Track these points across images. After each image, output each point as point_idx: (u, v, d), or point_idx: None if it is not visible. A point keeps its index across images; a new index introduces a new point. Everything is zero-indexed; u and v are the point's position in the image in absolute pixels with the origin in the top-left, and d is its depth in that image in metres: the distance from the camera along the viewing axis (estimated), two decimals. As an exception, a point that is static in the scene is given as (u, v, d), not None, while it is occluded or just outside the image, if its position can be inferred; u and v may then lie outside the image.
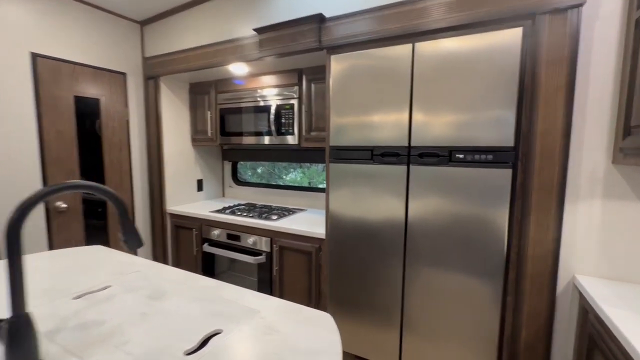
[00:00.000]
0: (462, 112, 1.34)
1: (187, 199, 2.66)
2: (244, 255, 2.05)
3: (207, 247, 2.23)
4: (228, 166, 2.95)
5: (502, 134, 1.27)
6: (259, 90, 2.25)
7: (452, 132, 1.36)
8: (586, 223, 1.25)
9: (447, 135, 1.37)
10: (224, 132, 2.44)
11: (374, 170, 1.54)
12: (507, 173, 1.28)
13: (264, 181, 3.11)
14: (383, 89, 1.50)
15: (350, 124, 1.60)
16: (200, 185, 2.75)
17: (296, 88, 2.09)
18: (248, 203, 2.66)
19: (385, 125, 1.51)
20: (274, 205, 2.58)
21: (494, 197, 1.31)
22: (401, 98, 1.46)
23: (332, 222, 1.69)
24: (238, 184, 2.92)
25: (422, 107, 1.42)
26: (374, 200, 1.55)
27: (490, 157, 1.30)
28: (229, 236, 2.16)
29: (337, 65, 1.60)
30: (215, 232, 2.20)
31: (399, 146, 1.48)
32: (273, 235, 1.97)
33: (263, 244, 2.01)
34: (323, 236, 1.77)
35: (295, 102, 2.10)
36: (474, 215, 1.34)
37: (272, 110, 2.14)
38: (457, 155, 1.36)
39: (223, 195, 2.99)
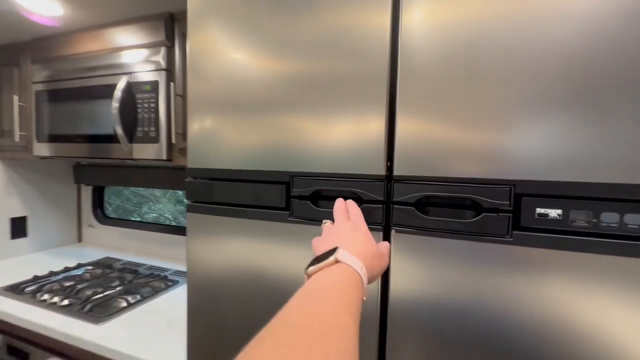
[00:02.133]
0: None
1: (-11, 255, 1.47)
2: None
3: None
4: (88, 193, 1.80)
5: None
6: (100, 57, 1.19)
7: (528, 144, 0.43)
8: None
9: (508, 155, 0.44)
10: (45, 134, 1.32)
11: (293, 232, 0.56)
12: None
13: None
14: (320, 40, 0.54)
15: (236, 120, 0.61)
16: (20, 227, 1.57)
17: (163, 51, 1.07)
18: (106, 258, 1.54)
19: (322, 125, 0.54)
20: (147, 263, 1.49)
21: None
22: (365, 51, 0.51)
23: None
24: (104, 222, 1.78)
25: (427, 65, 0.48)
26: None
27: (666, 222, 0.39)
28: (11, 351, 1.03)
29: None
30: (-6, 338, 1.06)
31: (363, 175, 0.52)
32: (93, 360, 0.89)
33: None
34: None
35: (160, 77, 1.07)
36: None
37: (118, 95, 1.09)
38: (540, 211, 0.43)
39: (80, 241, 1.83)
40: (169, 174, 1.49)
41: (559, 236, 0.42)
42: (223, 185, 0.63)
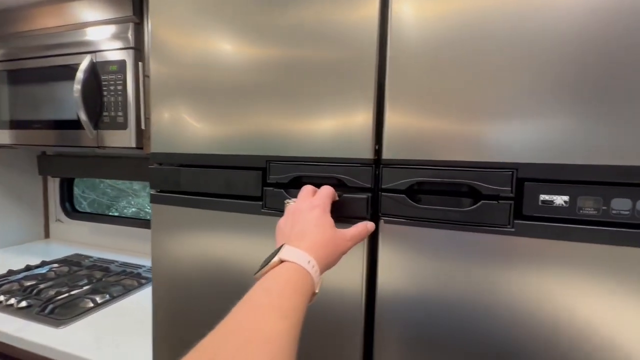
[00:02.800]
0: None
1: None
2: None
3: None
4: (56, 185, 1.68)
5: None
6: (62, 35, 1.08)
7: (531, 126, 0.39)
8: None
9: (509, 137, 0.39)
10: (4, 120, 1.20)
11: (268, 225, 0.50)
12: None
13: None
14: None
15: (207, 105, 0.54)
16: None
17: (131, 28, 0.97)
18: (74, 255, 1.43)
19: (305, 109, 0.48)
20: (120, 259, 1.39)
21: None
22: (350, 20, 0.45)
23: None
24: (73, 217, 1.67)
25: (417, 47, 0.42)
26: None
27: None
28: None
29: None
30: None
31: (348, 160, 0.47)
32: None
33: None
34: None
35: (128, 56, 0.97)
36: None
37: (80, 76, 0.98)
38: (544, 198, 0.39)
39: (47, 237, 1.71)
40: (141, 164, 1.39)
41: (566, 225, 0.38)
42: (192, 172, 0.56)
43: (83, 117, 0.99)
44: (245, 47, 0.51)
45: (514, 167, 0.39)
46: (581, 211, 0.37)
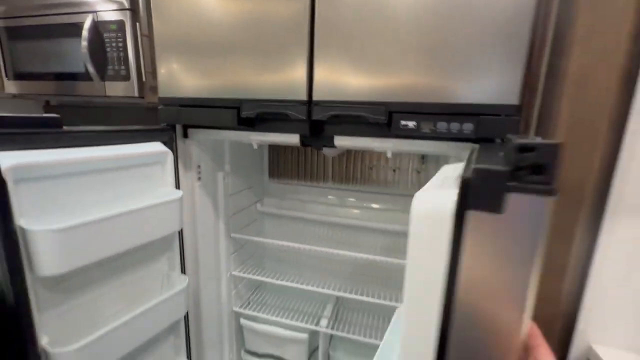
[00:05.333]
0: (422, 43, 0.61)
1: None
2: None
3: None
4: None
5: (498, 86, 0.59)
6: (63, -5, 1.23)
7: (396, 79, 0.64)
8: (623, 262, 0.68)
9: (385, 85, 0.65)
10: (14, 72, 1.38)
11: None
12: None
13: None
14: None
15: (198, 58, 0.77)
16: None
17: (126, -10, 1.14)
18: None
19: (262, 63, 0.72)
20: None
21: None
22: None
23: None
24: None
25: (334, 30, 0.65)
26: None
27: (470, 126, 0.62)
28: None
29: None
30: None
31: (290, 101, 0.72)
32: None
33: None
34: None
35: (125, 16, 1.15)
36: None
37: (86, 34, 1.17)
38: (403, 123, 0.66)
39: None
40: (138, 113, 1.60)
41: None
42: (189, 110, 0.80)
43: (91, 69, 1.19)
44: (227, 4, 0.72)
45: (386, 104, 0.65)
46: (422, 130, 0.65)
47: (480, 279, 0.31)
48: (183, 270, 0.90)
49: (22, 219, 0.55)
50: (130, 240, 0.69)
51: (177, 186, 0.87)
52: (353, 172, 1.21)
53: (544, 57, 0.68)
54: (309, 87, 0.70)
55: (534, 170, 0.28)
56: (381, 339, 1.08)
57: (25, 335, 0.55)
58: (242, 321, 1.18)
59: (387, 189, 1.19)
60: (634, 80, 0.60)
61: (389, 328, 0.61)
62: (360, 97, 0.67)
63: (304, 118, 0.71)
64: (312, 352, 1.20)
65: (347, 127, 0.73)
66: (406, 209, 1.20)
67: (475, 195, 0.29)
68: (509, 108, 0.60)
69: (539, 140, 0.30)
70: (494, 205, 0.29)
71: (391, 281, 1.22)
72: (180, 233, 0.89)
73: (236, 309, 1.16)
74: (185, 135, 0.90)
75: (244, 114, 0.75)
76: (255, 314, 1.15)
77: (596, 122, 0.59)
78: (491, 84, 0.60)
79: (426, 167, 1.13)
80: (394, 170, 1.17)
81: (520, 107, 0.60)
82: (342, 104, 0.68)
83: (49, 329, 0.59)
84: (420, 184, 1.12)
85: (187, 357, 0.97)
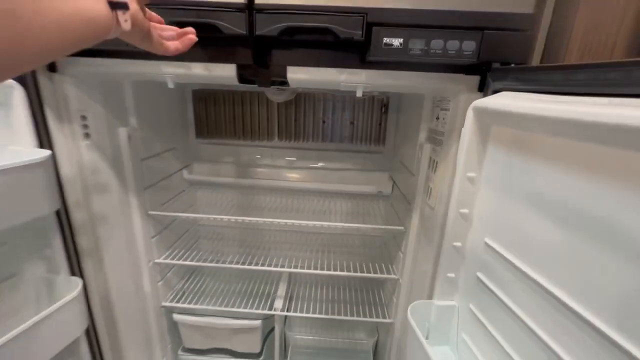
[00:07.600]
0: None
1: None
2: None
3: None
4: None
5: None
6: None
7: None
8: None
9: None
10: None
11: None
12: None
13: None
14: None
15: None
16: None
17: None
18: None
19: None
20: None
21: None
22: None
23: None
24: None
25: None
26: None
27: (471, 45, 0.47)
28: None
29: None
30: None
31: (221, 4, 0.47)
32: None
33: None
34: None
35: None
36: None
37: None
38: (387, 40, 0.47)
39: None
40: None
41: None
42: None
43: None
44: None
45: (366, 11, 0.46)
46: (410, 52, 0.47)
47: None
48: (75, 271, 0.62)
49: None
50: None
51: (47, 145, 0.57)
52: (304, 126, 1.01)
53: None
54: (247, -17, 0.46)
55: None
56: (339, 312, 0.99)
57: None
58: (176, 316, 0.95)
59: (345, 145, 1.03)
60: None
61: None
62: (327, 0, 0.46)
63: (244, 32, 0.48)
64: (267, 336, 1.04)
65: (306, 53, 0.52)
66: (365, 168, 1.06)
67: None
68: (521, 19, 0.46)
69: None
70: None
71: (353, 249, 1.11)
72: (63, 216, 0.60)
73: (166, 303, 0.92)
74: (53, 69, 0.58)
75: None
76: (191, 306, 0.92)
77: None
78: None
79: (386, 117, 0.99)
80: (352, 123, 1.00)
81: (532, 19, 0.47)
82: (299, 10, 0.47)
83: None
84: (380, 140, 0.98)
85: (100, 378, 0.72)
